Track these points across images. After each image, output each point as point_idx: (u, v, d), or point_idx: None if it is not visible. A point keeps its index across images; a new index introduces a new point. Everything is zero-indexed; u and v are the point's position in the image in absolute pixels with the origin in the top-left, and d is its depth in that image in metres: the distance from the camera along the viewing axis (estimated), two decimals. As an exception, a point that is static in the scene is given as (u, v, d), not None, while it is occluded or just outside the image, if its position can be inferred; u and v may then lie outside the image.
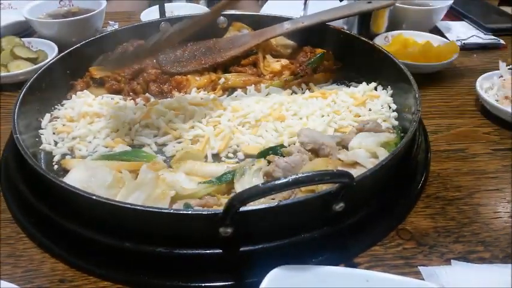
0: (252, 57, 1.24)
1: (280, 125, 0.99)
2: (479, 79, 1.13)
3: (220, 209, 0.63)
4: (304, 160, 0.85)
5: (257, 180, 0.82)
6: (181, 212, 0.68)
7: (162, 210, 0.67)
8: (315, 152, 0.89)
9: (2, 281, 0.62)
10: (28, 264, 0.74)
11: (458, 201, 0.86)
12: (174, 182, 0.80)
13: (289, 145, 0.93)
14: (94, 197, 0.67)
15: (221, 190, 0.83)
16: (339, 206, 0.68)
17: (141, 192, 0.76)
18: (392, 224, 0.80)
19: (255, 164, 0.84)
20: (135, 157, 0.89)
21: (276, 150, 0.90)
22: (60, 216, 0.75)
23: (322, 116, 1.01)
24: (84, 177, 0.77)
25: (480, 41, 1.46)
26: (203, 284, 0.69)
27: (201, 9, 1.63)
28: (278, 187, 0.57)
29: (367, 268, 0.72)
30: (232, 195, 0.81)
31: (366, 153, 0.86)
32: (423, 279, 0.70)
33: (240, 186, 0.81)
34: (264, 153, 0.89)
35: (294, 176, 0.58)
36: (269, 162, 0.86)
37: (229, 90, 1.16)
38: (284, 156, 0.87)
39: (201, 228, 0.67)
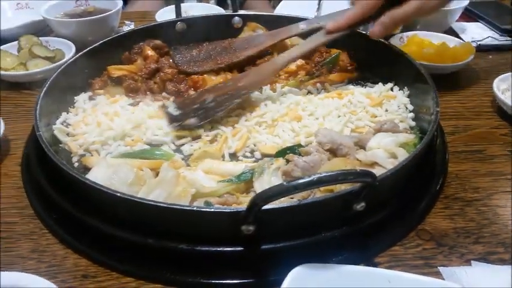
0: (267, 57, 1.24)
1: (296, 125, 0.99)
2: (496, 80, 1.13)
3: (243, 207, 0.64)
4: (322, 160, 0.86)
5: (276, 180, 0.82)
6: (204, 209, 0.68)
7: (185, 208, 0.68)
8: (333, 152, 0.89)
9: (29, 275, 0.63)
10: (51, 259, 0.75)
11: (477, 202, 0.86)
12: (194, 180, 0.81)
13: (306, 145, 0.93)
14: (118, 194, 0.68)
15: (240, 189, 0.83)
16: (360, 206, 0.68)
17: (162, 190, 0.76)
18: (412, 225, 0.80)
19: (274, 163, 0.85)
20: (154, 155, 0.90)
21: (293, 149, 0.90)
22: (82, 213, 0.76)
23: (339, 116, 1.01)
24: (107, 174, 0.78)
25: (496, 42, 1.45)
26: (224, 281, 0.69)
27: (212, 8, 1.63)
28: (302, 186, 0.58)
29: (387, 268, 0.72)
30: (251, 193, 0.82)
31: (385, 154, 0.86)
32: (443, 279, 0.71)
33: (259, 185, 0.81)
34: (282, 153, 0.90)
35: (318, 175, 0.58)
36: (287, 161, 0.86)
37: (245, 89, 1.17)
38: (302, 156, 0.87)
39: (223, 225, 0.68)
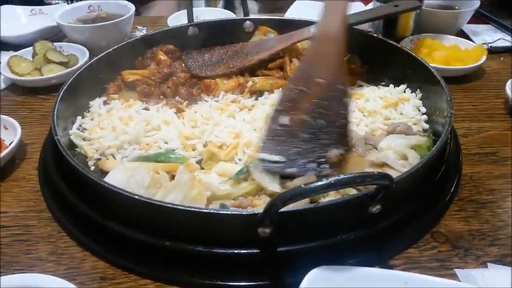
0: (279, 61, 1.25)
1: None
2: (509, 82, 1.13)
3: (260, 209, 0.64)
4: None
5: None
6: (221, 212, 0.69)
7: (203, 210, 0.69)
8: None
9: (49, 276, 0.64)
10: (70, 262, 0.76)
11: (491, 204, 0.86)
12: (209, 183, 0.82)
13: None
14: (136, 197, 0.69)
15: (252, 192, 0.84)
16: (376, 208, 0.68)
17: (178, 193, 0.77)
18: (427, 227, 0.80)
19: None
20: (169, 158, 0.91)
21: None
22: (100, 216, 0.77)
23: (355, 118, 1.02)
24: (124, 177, 0.79)
25: (507, 44, 1.44)
26: (241, 283, 0.70)
27: (223, 13, 1.64)
28: (320, 188, 0.58)
29: (403, 270, 0.73)
30: (262, 196, 0.82)
31: (396, 155, 0.87)
32: (459, 282, 0.70)
33: (259, 176, 0.82)
34: None
35: (335, 177, 0.59)
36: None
37: (257, 93, 1.17)
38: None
39: (240, 228, 0.68)
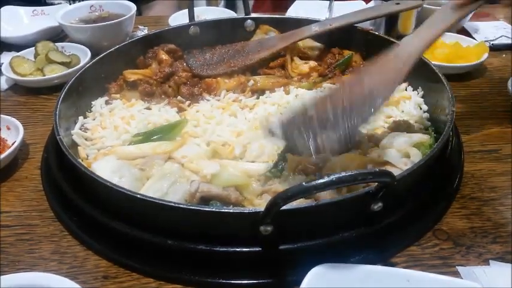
0: (280, 59, 1.25)
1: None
2: (511, 79, 1.12)
3: (262, 207, 0.64)
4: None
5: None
6: (223, 210, 0.69)
7: (204, 209, 0.69)
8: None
9: (52, 275, 0.64)
10: (72, 261, 0.76)
11: (493, 201, 0.86)
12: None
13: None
14: (139, 196, 0.69)
15: (255, 192, 0.83)
16: (377, 206, 0.69)
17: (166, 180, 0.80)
18: (429, 224, 0.80)
19: None
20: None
21: None
22: (102, 215, 0.77)
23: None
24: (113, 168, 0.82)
25: (509, 41, 1.44)
26: (243, 281, 0.70)
27: (224, 12, 1.64)
28: (322, 186, 0.58)
29: (405, 268, 0.72)
30: (264, 196, 0.82)
31: (398, 153, 0.86)
32: (462, 279, 0.70)
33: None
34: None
35: (337, 175, 0.59)
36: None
37: (259, 92, 1.17)
38: None
39: (241, 226, 0.69)
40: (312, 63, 1.23)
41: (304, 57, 1.27)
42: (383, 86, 0.79)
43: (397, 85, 0.81)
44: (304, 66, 1.23)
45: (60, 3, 1.79)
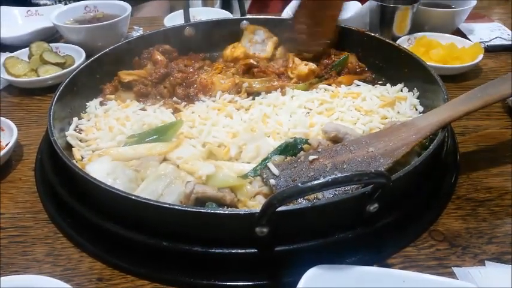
0: (280, 69, 1.23)
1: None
2: (506, 80, 1.13)
3: (257, 209, 0.64)
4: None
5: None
6: (219, 212, 0.69)
7: (199, 210, 0.69)
8: (338, 142, 0.89)
9: (45, 277, 0.64)
10: (66, 263, 0.76)
11: (489, 202, 0.86)
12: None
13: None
14: (133, 197, 0.69)
15: (248, 194, 0.82)
16: (373, 207, 0.68)
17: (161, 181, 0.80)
18: (425, 225, 0.80)
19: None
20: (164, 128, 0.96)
21: (295, 145, 0.89)
22: (96, 216, 0.76)
23: (352, 117, 1.01)
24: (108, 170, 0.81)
25: (504, 42, 1.45)
26: (239, 283, 0.70)
27: (220, 12, 1.64)
28: (317, 187, 0.58)
29: (401, 269, 0.73)
30: (257, 197, 0.82)
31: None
32: (457, 280, 0.70)
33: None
34: (284, 150, 0.89)
35: (332, 176, 0.59)
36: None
37: (254, 93, 1.17)
38: (305, 152, 0.87)
39: (237, 227, 0.68)
40: (312, 65, 1.22)
41: (300, 58, 1.27)
42: (387, 154, 0.80)
43: (400, 156, 0.80)
44: (303, 68, 1.22)
45: (46, 4, 1.77)
